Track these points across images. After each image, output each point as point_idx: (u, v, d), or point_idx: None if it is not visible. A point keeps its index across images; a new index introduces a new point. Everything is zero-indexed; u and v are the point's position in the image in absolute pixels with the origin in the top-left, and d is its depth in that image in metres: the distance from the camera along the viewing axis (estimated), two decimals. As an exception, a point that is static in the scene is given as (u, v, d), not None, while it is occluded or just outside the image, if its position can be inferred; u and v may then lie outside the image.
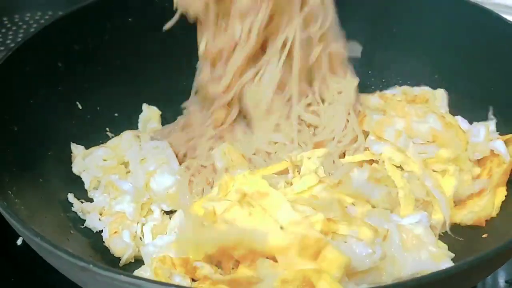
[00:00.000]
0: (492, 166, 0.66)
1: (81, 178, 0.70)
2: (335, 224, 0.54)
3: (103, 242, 0.64)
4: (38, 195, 0.61)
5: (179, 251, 0.55)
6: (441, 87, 0.78)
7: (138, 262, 0.62)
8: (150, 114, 0.79)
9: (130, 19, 0.78)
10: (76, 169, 0.70)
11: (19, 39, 1.01)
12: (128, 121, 0.78)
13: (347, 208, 0.58)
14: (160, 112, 0.80)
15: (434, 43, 0.79)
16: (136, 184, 0.67)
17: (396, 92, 0.79)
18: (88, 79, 0.75)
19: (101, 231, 0.65)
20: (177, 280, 0.52)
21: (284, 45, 0.65)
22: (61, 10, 1.07)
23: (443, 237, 0.63)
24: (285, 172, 0.64)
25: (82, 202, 0.67)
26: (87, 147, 0.72)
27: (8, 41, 1.02)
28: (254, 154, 0.68)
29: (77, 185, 0.69)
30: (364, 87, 0.77)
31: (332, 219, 0.54)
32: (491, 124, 0.71)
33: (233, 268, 0.54)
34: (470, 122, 0.72)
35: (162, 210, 0.67)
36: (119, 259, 0.62)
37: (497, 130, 0.70)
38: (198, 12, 0.64)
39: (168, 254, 0.55)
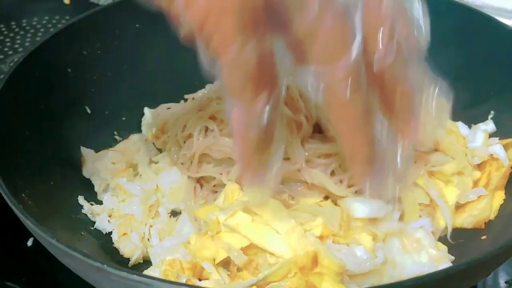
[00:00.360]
0: (491, 170, 0.66)
1: (91, 181, 0.71)
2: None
3: (113, 243, 0.65)
4: (50, 197, 0.63)
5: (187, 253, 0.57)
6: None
7: (146, 262, 0.64)
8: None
9: (137, 25, 0.80)
10: (86, 172, 0.72)
11: (27, 44, 1.03)
12: (136, 125, 0.80)
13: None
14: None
15: (433, 48, 0.80)
16: (144, 186, 0.69)
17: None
18: (96, 84, 0.77)
19: (111, 232, 0.66)
20: (183, 281, 0.53)
21: None
22: (68, 15, 1.09)
23: (442, 237, 0.64)
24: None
25: (92, 205, 0.68)
26: (96, 151, 0.74)
27: (16, 45, 1.04)
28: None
29: (87, 188, 0.70)
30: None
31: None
32: (490, 126, 0.72)
33: (238, 270, 0.55)
34: (470, 126, 0.74)
35: (169, 213, 0.68)
36: (128, 259, 0.64)
37: (498, 134, 0.71)
38: None
39: (176, 256, 0.57)
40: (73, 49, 0.75)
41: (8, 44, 1.04)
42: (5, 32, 1.07)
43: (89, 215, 0.67)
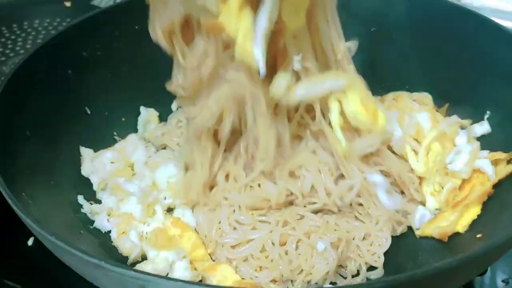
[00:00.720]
0: (475, 183, 0.66)
1: (90, 180, 0.72)
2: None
3: (112, 242, 0.66)
4: (50, 197, 0.64)
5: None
6: (438, 93, 0.80)
7: (145, 260, 0.64)
8: (148, 116, 0.82)
9: (136, 27, 0.81)
10: (85, 171, 0.72)
11: (28, 46, 1.04)
12: (135, 125, 0.81)
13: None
14: (157, 113, 0.83)
15: (430, 49, 0.81)
16: (141, 185, 0.70)
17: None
18: (96, 85, 0.78)
19: (110, 231, 0.67)
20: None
21: None
22: (69, 17, 1.10)
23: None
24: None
25: (91, 204, 0.69)
26: (95, 150, 0.75)
27: (18, 48, 1.04)
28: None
29: (86, 187, 0.71)
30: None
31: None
32: (485, 127, 0.72)
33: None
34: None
35: (165, 210, 0.69)
36: (127, 258, 0.64)
37: (492, 135, 0.72)
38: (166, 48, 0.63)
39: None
40: (73, 51, 0.76)
41: (10, 46, 1.05)
42: (7, 34, 1.08)
43: (88, 214, 0.68)
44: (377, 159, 0.67)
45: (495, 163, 0.67)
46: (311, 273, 0.59)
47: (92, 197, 0.71)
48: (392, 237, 0.66)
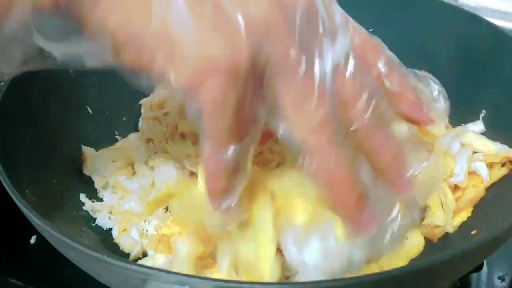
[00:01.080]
0: (469, 185, 0.66)
1: (91, 178, 0.73)
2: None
3: (113, 239, 0.67)
4: (52, 194, 0.65)
5: None
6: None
7: (146, 257, 0.65)
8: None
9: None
10: (86, 170, 0.73)
11: (30, 47, 1.05)
12: (136, 124, 0.81)
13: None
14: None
15: (430, 49, 0.82)
16: (142, 183, 0.71)
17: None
18: (98, 85, 0.79)
19: (111, 228, 0.68)
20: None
21: None
22: (70, 19, 1.11)
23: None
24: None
25: (93, 202, 0.70)
26: (97, 150, 0.75)
27: (20, 49, 1.05)
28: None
29: (88, 185, 0.72)
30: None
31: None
32: (479, 127, 0.73)
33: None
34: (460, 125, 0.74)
35: (164, 208, 0.69)
36: (128, 254, 0.65)
37: (486, 134, 0.72)
38: None
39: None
40: (75, 52, 0.77)
41: (12, 47, 1.06)
42: (9, 36, 1.08)
43: (90, 212, 0.69)
44: None
45: (489, 165, 0.67)
46: None
47: (94, 195, 0.71)
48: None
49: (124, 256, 0.65)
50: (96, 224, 0.68)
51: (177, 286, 0.41)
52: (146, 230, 0.65)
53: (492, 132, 0.72)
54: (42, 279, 0.71)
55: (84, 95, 0.77)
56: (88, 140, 0.75)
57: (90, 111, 0.78)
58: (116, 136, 0.80)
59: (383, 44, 0.57)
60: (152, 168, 0.72)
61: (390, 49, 0.81)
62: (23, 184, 0.58)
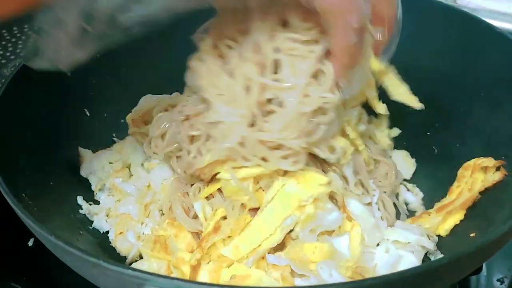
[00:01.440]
0: (464, 188, 0.66)
1: (88, 181, 0.73)
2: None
3: (110, 242, 0.67)
4: (49, 197, 0.64)
5: None
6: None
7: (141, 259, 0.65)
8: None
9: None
10: (83, 172, 0.73)
11: (29, 49, 1.05)
12: (134, 127, 0.81)
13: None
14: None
15: (427, 49, 0.81)
16: (138, 185, 0.71)
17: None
18: (95, 88, 0.79)
19: (108, 231, 0.68)
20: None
21: None
22: (68, 20, 1.10)
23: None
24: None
25: (90, 204, 0.70)
26: (94, 152, 0.75)
27: (18, 50, 1.05)
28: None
29: (85, 188, 0.72)
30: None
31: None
32: None
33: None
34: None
35: (160, 210, 0.69)
36: (125, 257, 0.65)
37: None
38: None
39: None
40: (72, 53, 0.76)
41: (10, 49, 1.05)
42: (7, 37, 1.08)
43: (87, 215, 0.69)
44: None
45: (484, 170, 0.67)
46: None
47: (91, 198, 0.71)
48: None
49: (121, 259, 0.65)
50: (94, 227, 0.68)
51: (173, 291, 0.41)
52: (143, 233, 0.65)
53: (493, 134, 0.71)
54: (40, 282, 0.71)
55: (81, 97, 0.77)
56: (86, 143, 0.75)
57: (87, 113, 0.78)
58: (114, 139, 0.79)
59: None
60: (148, 171, 0.72)
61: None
62: (19, 188, 0.58)
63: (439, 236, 0.65)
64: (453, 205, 0.65)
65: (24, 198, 0.58)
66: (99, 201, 0.71)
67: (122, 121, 0.81)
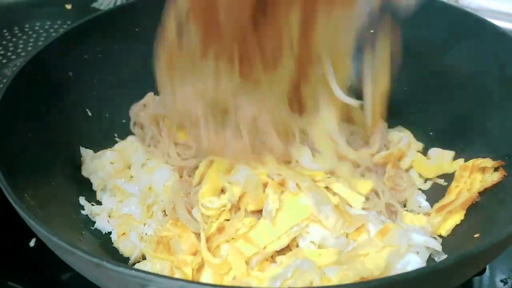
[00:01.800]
0: (463, 188, 0.66)
1: (90, 181, 0.73)
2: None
3: (112, 242, 0.67)
4: (52, 198, 0.64)
5: None
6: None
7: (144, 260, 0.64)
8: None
9: (137, 29, 0.81)
10: (85, 172, 0.73)
11: (29, 48, 1.05)
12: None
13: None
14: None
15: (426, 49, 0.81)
16: (140, 186, 0.71)
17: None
18: (97, 88, 0.78)
19: (110, 232, 0.68)
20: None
21: None
22: (70, 20, 1.10)
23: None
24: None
25: (92, 205, 0.69)
26: (95, 152, 0.75)
27: (19, 50, 1.05)
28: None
29: (87, 188, 0.72)
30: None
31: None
32: None
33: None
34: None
35: (162, 211, 0.69)
36: (128, 258, 0.65)
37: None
38: None
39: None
40: (74, 53, 0.76)
41: (11, 48, 1.05)
42: (8, 37, 1.08)
43: (89, 215, 0.69)
44: None
45: (482, 170, 0.67)
46: None
47: (93, 198, 0.71)
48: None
49: (124, 259, 0.65)
50: (96, 228, 0.68)
51: (176, 291, 0.41)
52: (145, 234, 0.65)
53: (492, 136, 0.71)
54: (42, 283, 0.71)
55: (83, 97, 0.77)
56: (87, 143, 0.75)
57: (89, 113, 0.78)
58: (116, 139, 0.79)
59: None
60: (149, 171, 0.72)
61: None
62: (21, 188, 0.58)
63: (441, 236, 0.65)
64: (453, 205, 0.65)
65: (26, 199, 0.58)
66: (101, 202, 0.71)
67: (124, 121, 0.81)
